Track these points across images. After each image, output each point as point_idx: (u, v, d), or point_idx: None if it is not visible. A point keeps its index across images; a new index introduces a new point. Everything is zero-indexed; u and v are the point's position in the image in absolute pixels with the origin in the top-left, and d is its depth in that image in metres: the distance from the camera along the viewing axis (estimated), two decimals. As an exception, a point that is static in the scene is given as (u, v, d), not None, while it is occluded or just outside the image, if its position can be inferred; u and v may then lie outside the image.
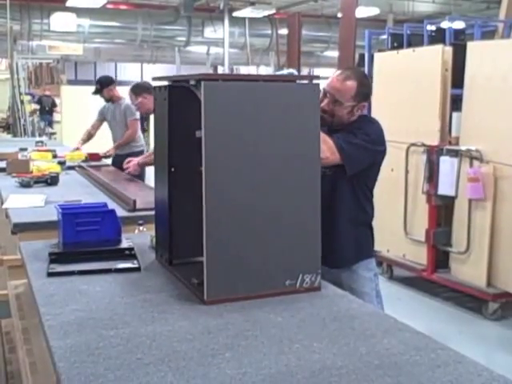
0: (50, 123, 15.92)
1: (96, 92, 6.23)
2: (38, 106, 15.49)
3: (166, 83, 2.17)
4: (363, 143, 2.52)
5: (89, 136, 6.44)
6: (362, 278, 2.70)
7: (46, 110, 15.73)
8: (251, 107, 1.84)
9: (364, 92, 2.62)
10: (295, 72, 2.66)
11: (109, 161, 6.03)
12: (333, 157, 2.45)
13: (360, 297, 2.51)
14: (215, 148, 1.79)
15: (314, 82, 1.99)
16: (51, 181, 4.10)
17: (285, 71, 2.74)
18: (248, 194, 1.85)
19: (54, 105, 16.14)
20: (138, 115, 6.04)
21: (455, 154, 4.82)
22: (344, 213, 2.65)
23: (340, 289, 2.06)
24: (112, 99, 6.20)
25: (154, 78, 2.29)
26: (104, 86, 6.15)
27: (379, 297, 2.74)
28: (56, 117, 15.93)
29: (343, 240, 2.65)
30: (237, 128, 1.83)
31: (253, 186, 1.86)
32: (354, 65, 7.16)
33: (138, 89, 5.24)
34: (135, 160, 4.53)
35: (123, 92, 6.35)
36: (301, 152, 1.92)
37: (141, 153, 6.17)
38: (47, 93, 16.25)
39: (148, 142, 16.23)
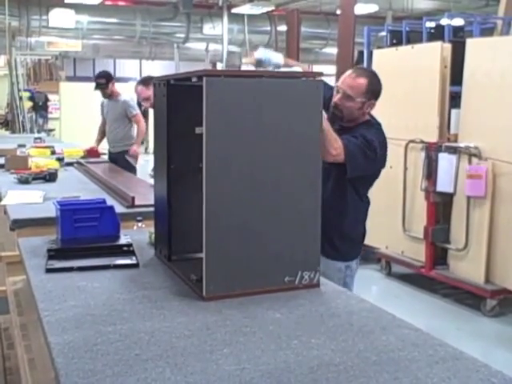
0: (46, 118, 15.96)
1: (99, 86, 5.96)
2: (31, 103, 15.53)
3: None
4: (367, 151, 2.58)
5: (102, 135, 6.38)
6: (331, 265, 2.73)
7: (40, 105, 15.76)
8: (253, 104, 1.83)
9: (373, 89, 2.73)
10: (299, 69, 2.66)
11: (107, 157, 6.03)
12: (340, 156, 2.50)
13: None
14: (216, 144, 1.79)
15: (317, 78, 1.99)
16: (50, 177, 4.10)
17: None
18: (248, 190, 1.85)
19: (47, 100, 16.17)
20: (138, 109, 6.02)
21: (454, 150, 4.82)
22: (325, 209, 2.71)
23: None
24: (111, 95, 6.06)
25: (156, 79, 2.27)
26: (109, 80, 5.99)
27: (347, 288, 2.75)
28: (54, 113, 15.93)
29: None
30: (238, 125, 1.82)
31: (253, 182, 1.85)
32: (353, 62, 7.15)
33: (150, 79, 5.18)
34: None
35: (122, 88, 6.32)
36: (302, 149, 1.91)
37: None
38: (38, 90, 16.35)
39: (147, 138, 16.19)
